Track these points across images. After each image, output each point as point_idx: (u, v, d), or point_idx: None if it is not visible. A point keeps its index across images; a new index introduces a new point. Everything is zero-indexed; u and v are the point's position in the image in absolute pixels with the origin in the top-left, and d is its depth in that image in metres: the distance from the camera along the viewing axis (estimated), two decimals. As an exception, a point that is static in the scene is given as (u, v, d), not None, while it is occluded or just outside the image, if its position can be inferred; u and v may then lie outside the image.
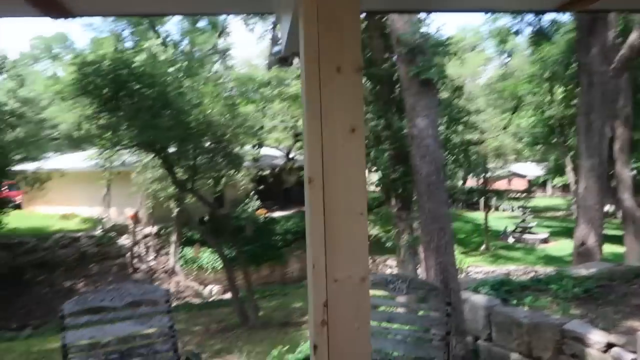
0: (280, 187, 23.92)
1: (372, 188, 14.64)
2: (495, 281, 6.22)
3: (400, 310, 2.99)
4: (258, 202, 20.07)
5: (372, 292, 3.01)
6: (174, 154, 11.86)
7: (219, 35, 21.32)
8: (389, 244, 11.11)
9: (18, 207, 22.37)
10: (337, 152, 1.50)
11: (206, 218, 15.86)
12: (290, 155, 22.99)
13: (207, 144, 12.27)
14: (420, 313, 2.88)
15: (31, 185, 17.74)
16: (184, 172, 12.47)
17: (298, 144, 21.42)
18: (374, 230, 18.13)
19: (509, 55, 27.94)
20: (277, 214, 22.30)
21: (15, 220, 17.64)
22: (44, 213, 20.87)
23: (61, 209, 20.43)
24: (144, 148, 11.46)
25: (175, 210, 16.31)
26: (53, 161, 20.63)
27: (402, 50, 5.11)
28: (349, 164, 1.51)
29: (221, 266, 15.71)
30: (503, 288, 5.91)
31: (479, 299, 5.76)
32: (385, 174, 9.90)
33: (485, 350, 5.52)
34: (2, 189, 18.58)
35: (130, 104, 10.11)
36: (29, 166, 18.40)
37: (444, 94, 10.70)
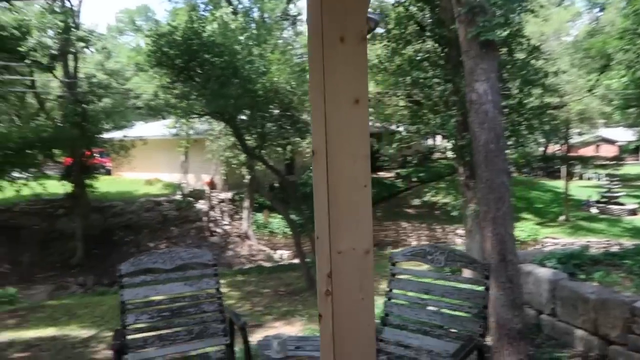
0: (350, 154, 23.93)
1: (449, 155, 14.17)
2: (564, 254, 5.92)
3: (438, 282, 2.95)
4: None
5: (410, 263, 2.99)
6: (243, 122, 12.19)
7: (289, 1, 21.26)
8: (454, 214, 10.83)
9: (108, 172, 24.26)
10: (341, 124, 1.49)
11: (276, 185, 16.28)
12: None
13: (275, 111, 12.47)
14: (458, 285, 2.83)
15: (118, 153, 19.06)
16: (253, 140, 12.81)
17: (372, 110, 21.19)
18: (445, 199, 17.74)
19: (602, 10, 25.47)
20: (347, 180, 22.40)
21: (105, 185, 19.15)
22: (130, 178, 22.46)
23: (145, 175, 21.86)
24: (214, 117, 11.87)
25: (247, 177, 16.87)
26: (137, 130, 21.98)
27: (461, 9, 4.83)
28: (352, 135, 1.50)
29: (291, 232, 16.19)
30: (572, 261, 5.62)
31: (544, 272, 5.53)
32: (453, 141, 9.57)
33: (549, 325, 5.33)
34: (94, 156, 20.17)
35: (201, 73, 10.45)
36: (115, 135, 19.74)
37: (520, 55, 10.03)
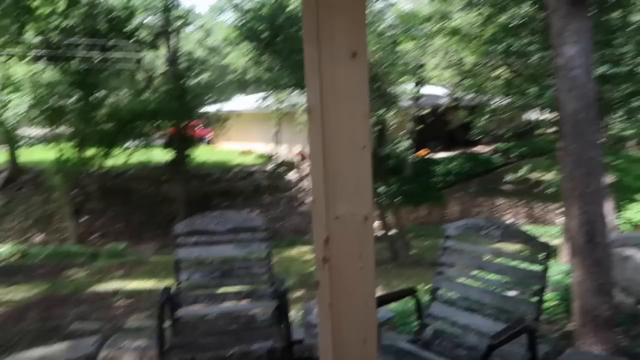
0: (444, 127, 23.01)
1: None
2: (671, 238, 5.26)
3: (492, 258, 2.74)
4: (418, 143, 19.71)
5: (463, 238, 2.80)
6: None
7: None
8: (550, 190, 10.03)
9: (209, 143, 25.74)
10: (337, 80, 1.38)
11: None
12: (456, 95, 21.74)
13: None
14: (514, 264, 2.60)
15: (214, 125, 20.09)
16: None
17: (465, 82, 20.09)
18: (546, 176, 16.49)
19: None
20: (440, 155, 21.67)
21: (203, 154, 20.35)
22: (226, 149, 23.62)
23: (240, 146, 22.86)
24: (300, 89, 11.99)
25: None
26: (232, 103, 22.94)
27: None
28: (350, 92, 1.39)
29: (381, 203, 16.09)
30: (680, 247, 4.98)
31: (645, 257, 4.97)
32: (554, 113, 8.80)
33: (648, 316, 4.80)
34: (196, 127, 21.46)
35: (286, 46, 10.57)
36: (213, 108, 20.78)
37: (635, 17, 8.87)
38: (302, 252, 13.40)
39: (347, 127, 1.40)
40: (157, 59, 22.52)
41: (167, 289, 2.88)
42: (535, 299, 2.41)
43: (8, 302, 8.19)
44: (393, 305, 5.01)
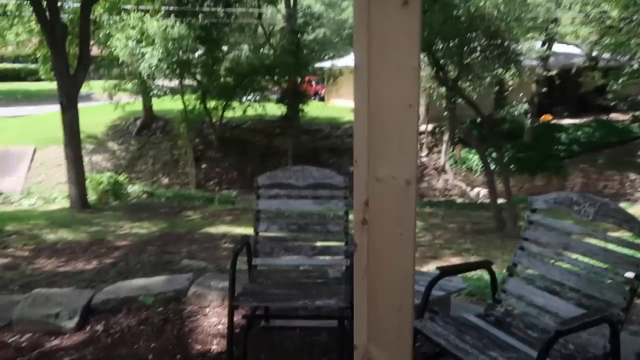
0: (574, 91, 20.84)
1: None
2: None
3: (581, 238, 2.46)
4: (542, 107, 18.15)
5: (552, 212, 2.55)
6: (443, 51, 11.58)
7: None
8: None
9: (322, 99, 26.09)
10: (386, 32, 1.29)
11: (478, 120, 15.32)
12: (593, 54, 19.43)
13: (480, 40, 11.49)
14: (607, 246, 2.31)
15: (327, 81, 20.23)
16: (453, 71, 12.14)
17: (605, 39, 17.81)
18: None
19: None
20: (566, 121, 19.81)
21: (315, 110, 20.71)
22: (338, 105, 23.75)
23: (351, 103, 22.79)
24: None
25: (448, 110, 16.25)
26: (346, 59, 22.82)
27: None
28: (399, 45, 1.29)
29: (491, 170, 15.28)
30: None
31: None
32: None
33: None
34: (309, 83, 21.80)
35: None
36: (327, 63, 20.87)
37: None
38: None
39: (394, 83, 1.31)
40: (276, 14, 23.02)
41: (245, 238, 3.02)
42: (627, 287, 2.14)
43: (134, 235, 9.24)
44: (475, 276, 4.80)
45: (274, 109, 19.36)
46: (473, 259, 8.87)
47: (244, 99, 18.44)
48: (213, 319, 3.47)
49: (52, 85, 11.13)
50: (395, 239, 1.39)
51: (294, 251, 3.16)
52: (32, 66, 24.65)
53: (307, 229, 3.18)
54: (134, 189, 14.68)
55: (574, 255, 2.40)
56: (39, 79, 19.99)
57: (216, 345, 3.15)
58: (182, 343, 3.21)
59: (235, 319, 2.71)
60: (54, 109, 11.51)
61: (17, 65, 32.48)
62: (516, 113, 16.68)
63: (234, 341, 2.80)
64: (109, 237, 8.83)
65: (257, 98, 19.00)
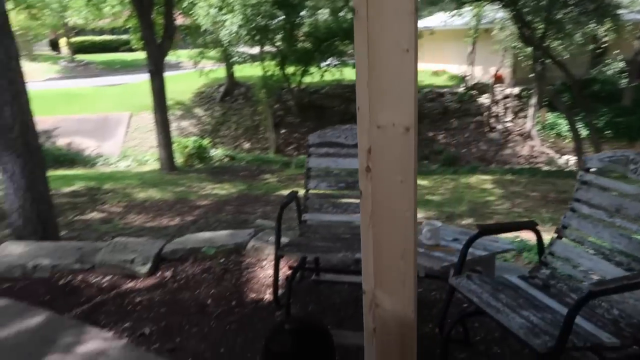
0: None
1: None
2: None
3: (636, 199, 2.28)
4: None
5: (607, 172, 2.39)
6: (527, 6, 10.78)
7: None
8: None
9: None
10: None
11: (568, 82, 14.19)
12: None
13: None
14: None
15: (407, 43, 19.55)
16: (541, 28, 11.29)
17: None
18: None
19: None
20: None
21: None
22: (419, 69, 23.00)
23: (432, 66, 22.02)
24: (499, 2, 10.83)
25: (535, 72, 15.18)
26: (426, 20, 21.91)
27: None
28: (395, -10, 1.28)
29: (583, 136, 14.20)
30: None
31: None
32: None
33: None
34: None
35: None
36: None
37: None
38: (481, 180, 12.81)
39: (391, 27, 1.31)
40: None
41: (293, 193, 3.14)
42: (681, 252, 1.98)
43: (214, 195, 9.80)
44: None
45: (352, 74, 19.20)
46: (552, 229, 8.42)
47: (322, 64, 18.44)
48: (269, 270, 3.68)
49: (145, 55, 11.89)
50: (397, 185, 1.41)
51: (342, 208, 3.23)
52: (125, 37, 26.28)
53: (355, 187, 3.24)
54: (217, 152, 15.44)
55: (627, 218, 2.25)
56: (131, 49, 21.27)
57: (269, 295, 3.35)
58: (239, 291, 3.45)
59: (288, 271, 2.86)
60: (147, 77, 12.31)
61: (114, 37, 34.76)
62: (609, 73, 15.19)
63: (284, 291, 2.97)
64: (192, 196, 9.44)
65: (336, 63, 18.90)
